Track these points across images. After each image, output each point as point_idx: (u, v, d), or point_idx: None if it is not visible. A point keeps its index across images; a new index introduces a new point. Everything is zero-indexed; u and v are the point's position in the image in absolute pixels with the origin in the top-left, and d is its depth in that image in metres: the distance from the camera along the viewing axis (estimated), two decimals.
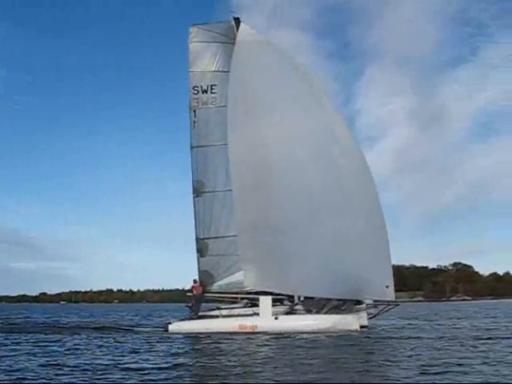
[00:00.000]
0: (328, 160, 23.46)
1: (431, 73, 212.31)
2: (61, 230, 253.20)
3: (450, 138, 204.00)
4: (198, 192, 25.55)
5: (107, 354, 15.10)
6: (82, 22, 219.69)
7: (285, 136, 23.32)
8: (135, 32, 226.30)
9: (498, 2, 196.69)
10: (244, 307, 24.57)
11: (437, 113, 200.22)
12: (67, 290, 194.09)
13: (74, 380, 10.79)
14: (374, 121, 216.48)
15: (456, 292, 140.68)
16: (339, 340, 18.55)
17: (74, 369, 12.30)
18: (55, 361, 13.72)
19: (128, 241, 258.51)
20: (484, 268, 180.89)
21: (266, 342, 18.38)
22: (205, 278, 25.15)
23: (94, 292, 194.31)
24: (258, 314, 22.75)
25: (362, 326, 22.55)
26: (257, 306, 23.65)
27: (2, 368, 12.46)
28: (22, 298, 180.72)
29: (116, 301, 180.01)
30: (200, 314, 24.57)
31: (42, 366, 12.93)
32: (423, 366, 12.07)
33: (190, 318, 24.49)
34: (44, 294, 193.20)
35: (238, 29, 25.12)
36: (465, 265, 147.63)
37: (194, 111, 25.71)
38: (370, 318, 24.46)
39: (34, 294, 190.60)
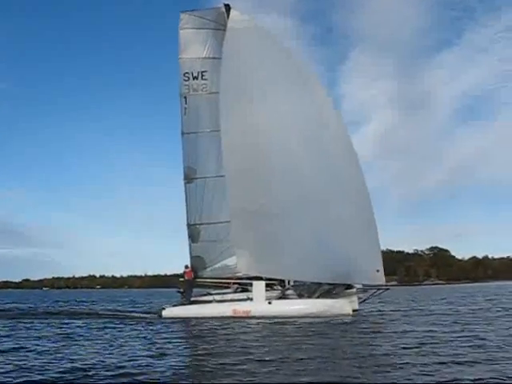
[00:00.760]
0: (318, 144, 23.73)
1: (415, 57, 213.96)
2: (44, 216, 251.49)
3: (434, 123, 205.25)
4: (188, 178, 25.63)
5: (101, 341, 15.12)
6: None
7: (277, 121, 23.55)
8: (123, 18, 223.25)
9: None
10: (234, 292, 24.85)
11: (421, 97, 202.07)
12: (50, 277, 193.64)
13: (74, 365, 10.85)
14: (358, 105, 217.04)
15: (429, 276, 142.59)
16: (335, 324, 18.90)
17: (72, 355, 12.36)
18: (51, 348, 13.74)
19: (110, 227, 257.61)
20: (464, 252, 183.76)
21: (262, 326, 18.65)
22: (196, 263, 25.32)
23: (77, 278, 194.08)
24: (251, 299, 22.99)
25: (353, 310, 22.93)
26: (247, 291, 23.99)
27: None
28: (5, 285, 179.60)
29: (98, 286, 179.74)
30: (192, 299, 24.80)
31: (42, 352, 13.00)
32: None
33: (182, 304, 24.68)
34: (27, 280, 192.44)
35: (228, 15, 25.13)
36: (441, 249, 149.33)
37: (185, 98, 25.71)
38: (360, 303, 24.85)
39: (16, 280, 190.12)
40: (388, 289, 25.37)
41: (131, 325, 20.10)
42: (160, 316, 23.50)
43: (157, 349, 13.30)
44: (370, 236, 23.65)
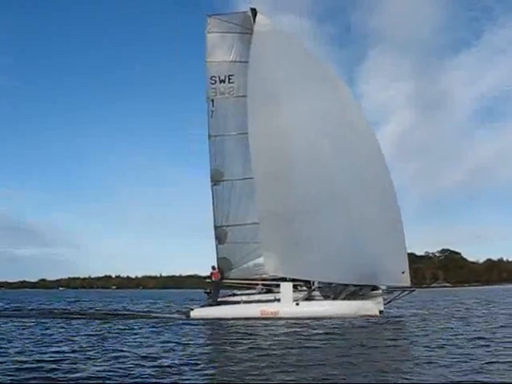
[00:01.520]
0: (346, 147, 23.94)
1: (434, 57, 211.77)
2: (61, 217, 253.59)
3: (452, 124, 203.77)
4: (215, 180, 25.97)
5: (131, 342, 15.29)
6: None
7: (304, 123, 23.85)
8: (122, 15, 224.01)
9: None
10: (259, 293, 25.11)
11: (439, 97, 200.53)
12: (66, 277, 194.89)
13: (106, 367, 11.00)
14: (377, 106, 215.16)
15: (436, 279, 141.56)
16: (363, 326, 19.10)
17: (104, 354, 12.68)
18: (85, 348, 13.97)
19: (126, 227, 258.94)
20: (480, 255, 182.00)
21: (293, 328, 18.87)
22: (223, 264, 25.61)
23: (92, 278, 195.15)
24: (278, 300, 23.23)
25: (379, 312, 23.10)
26: (271, 291, 24.27)
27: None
28: (22, 284, 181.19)
29: (114, 287, 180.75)
30: (218, 300, 25.11)
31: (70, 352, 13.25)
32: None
33: (209, 304, 24.99)
34: (43, 280, 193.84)
35: (254, 19, 25.46)
36: (452, 251, 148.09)
37: (212, 101, 26.07)
38: (385, 304, 24.95)
39: (33, 280, 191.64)
40: (414, 290, 25.42)
41: (159, 325, 20.40)
42: (188, 317, 23.81)
43: (185, 348, 13.70)
44: (396, 237, 23.69)
